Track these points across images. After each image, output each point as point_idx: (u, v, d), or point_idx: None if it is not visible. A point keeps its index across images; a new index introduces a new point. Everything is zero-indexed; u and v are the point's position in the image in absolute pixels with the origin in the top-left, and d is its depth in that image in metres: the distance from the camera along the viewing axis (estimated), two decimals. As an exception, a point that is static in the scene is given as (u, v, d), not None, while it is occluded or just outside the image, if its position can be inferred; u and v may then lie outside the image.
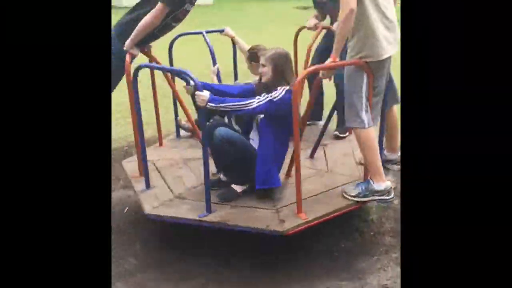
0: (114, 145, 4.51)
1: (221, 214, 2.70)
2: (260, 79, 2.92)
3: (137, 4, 3.44)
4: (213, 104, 2.58)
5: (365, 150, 2.77)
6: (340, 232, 3.12)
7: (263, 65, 2.84)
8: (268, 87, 2.79)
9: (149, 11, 3.17)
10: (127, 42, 3.24)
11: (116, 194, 3.72)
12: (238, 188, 2.90)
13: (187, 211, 2.76)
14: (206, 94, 2.57)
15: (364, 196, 2.81)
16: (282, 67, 2.81)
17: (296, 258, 2.91)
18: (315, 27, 3.86)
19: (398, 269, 2.77)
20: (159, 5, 3.11)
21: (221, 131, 2.77)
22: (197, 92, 2.57)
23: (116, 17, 3.48)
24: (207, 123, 2.89)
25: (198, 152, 3.09)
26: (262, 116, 2.82)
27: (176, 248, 3.01)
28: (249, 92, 2.91)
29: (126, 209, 3.51)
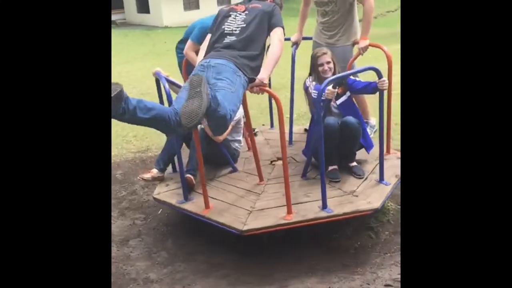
0: (152, 153, 4.88)
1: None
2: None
3: None
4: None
5: None
6: (356, 232, 3.31)
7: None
8: None
9: None
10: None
11: (151, 198, 4.04)
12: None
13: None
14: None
15: None
16: None
17: (313, 253, 3.12)
18: None
19: (411, 265, 2.93)
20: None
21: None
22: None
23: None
24: None
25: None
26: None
27: (202, 244, 3.29)
28: None
29: (160, 211, 3.83)
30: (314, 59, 3.45)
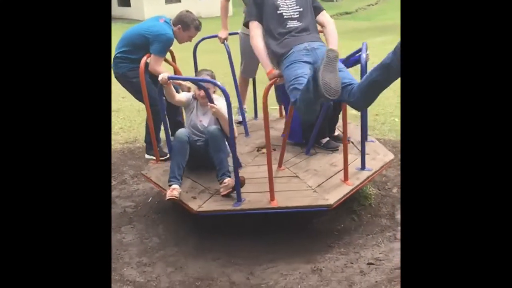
0: (140, 144, 4.97)
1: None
2: None
3: None
4: None
5: None
6: (339, 215, 3.47)
7: None
8: None
9: None
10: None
11: (142, 187, 4.15)
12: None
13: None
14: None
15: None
16: None
17: (299, 236, 3.27)
18: None
19: (391, 245, 3.11)
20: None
21: None
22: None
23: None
24: None
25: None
26: None
27: (193, 229, 3.41)
28: None
29: (150, 199, 3.93)
30: None
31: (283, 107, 4.30)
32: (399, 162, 4.30)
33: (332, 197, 3.05)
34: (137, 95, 3.81)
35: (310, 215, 3.38)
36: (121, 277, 2.89)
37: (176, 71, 3.91)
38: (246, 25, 3.22)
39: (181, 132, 3.28)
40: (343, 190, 3.14)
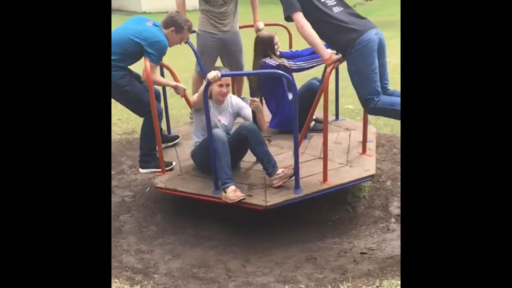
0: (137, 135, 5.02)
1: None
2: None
3: None
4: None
5: None
6: (334, 207, 3.54)
7: None
8: None
9: None
10: None
11: (140, 177, 4.20)
12: None
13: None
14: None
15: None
16: None
17: (294, 226, 3.35)
18: None
19: (384, 236, 3.19)
20: None
21: None
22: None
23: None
24: None
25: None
26: None
27: (190, 218, 3.48)
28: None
29: (147, 189, 3.99)
30: (270, 41, 3.94)
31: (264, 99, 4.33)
32: (393, 156, 4.38)
33: (371, 168, 3.39)
34: (132, 104, 3.56)
35: (305, 207, 3.45)
36: (120, 263, 2.96)
37: (173, 75, 3.90)
38: (288, 18, 3.15)
39: (219, 132, 3.14)
40: (371, 160, 3.53)
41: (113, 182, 4.10)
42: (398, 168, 4.13)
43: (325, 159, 3.15)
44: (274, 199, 3.05)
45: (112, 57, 3.32)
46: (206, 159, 3.20)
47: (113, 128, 5.35)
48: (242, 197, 2.97)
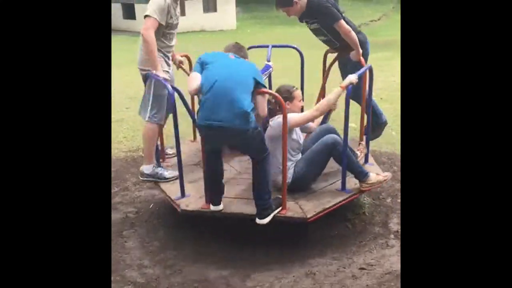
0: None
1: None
2: None
3: None
4: None
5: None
6: (333, 223, 3.59)
7: None
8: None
9: None
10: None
11: (144, 193, 4.28)
12: None
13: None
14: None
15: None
16: None
17: (294, 242, 3.39)
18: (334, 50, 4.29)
19: (383, 252, 3.22)
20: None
21: None
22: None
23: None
24: None
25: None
26: None
27: (192, 234, 3.53)
28: None
29: (151, 205, 4.06)
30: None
31: None
32: (393, 173, 4.42)
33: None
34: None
35: (305, 223, 3.49)
36: (123, 278, 3.01)
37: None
38: (330, 24, 3.76)
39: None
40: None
41: (117, 199, 4.17)
42: (398, 186, 4.17)
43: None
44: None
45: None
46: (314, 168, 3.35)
47: (118, 146, 5.46)
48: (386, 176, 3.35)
